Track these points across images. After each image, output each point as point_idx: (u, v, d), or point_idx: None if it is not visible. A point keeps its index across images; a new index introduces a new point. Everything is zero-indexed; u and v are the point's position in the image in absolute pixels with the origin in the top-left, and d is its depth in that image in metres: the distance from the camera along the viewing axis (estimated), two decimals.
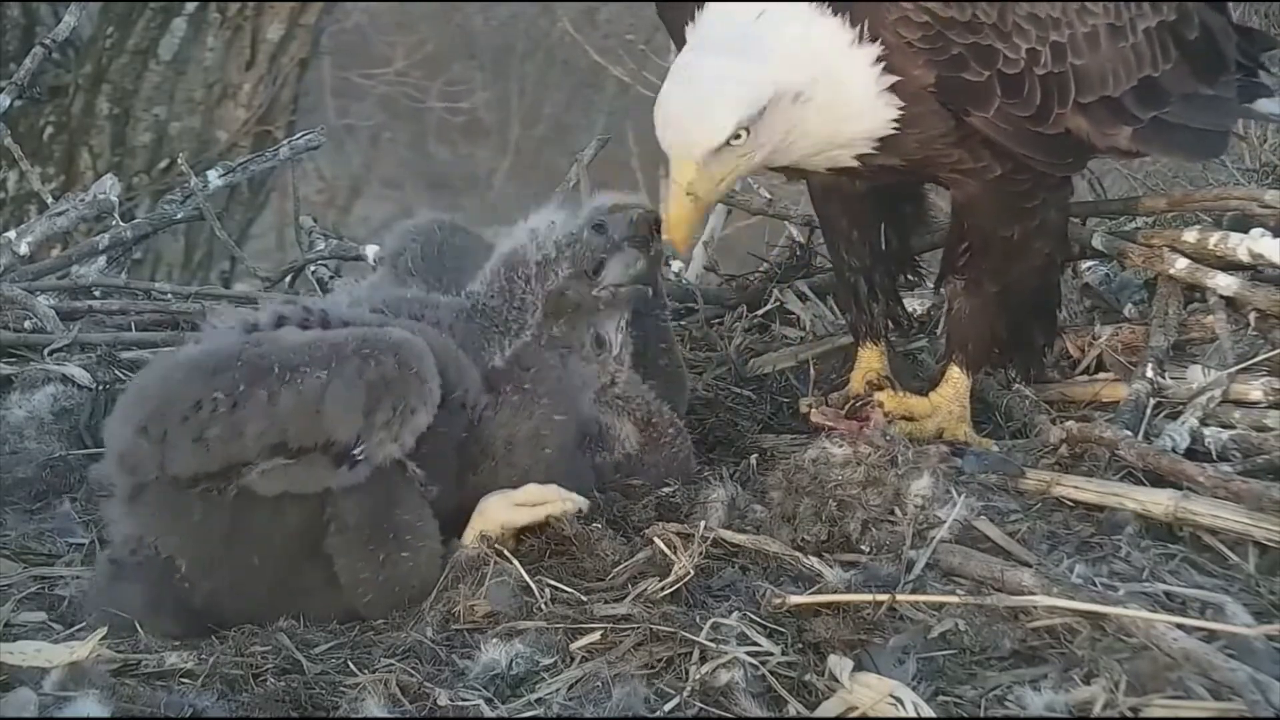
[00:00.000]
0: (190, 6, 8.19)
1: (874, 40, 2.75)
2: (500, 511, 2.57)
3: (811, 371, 3.63)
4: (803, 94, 2.74)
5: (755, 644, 2.24)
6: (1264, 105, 3.50)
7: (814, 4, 2.76)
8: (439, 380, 2.47)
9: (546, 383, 2.69)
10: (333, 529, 2.44)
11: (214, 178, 5.08)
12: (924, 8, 2.73)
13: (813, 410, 3.23)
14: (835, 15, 2.76)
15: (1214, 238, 3.45)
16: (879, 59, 2.76)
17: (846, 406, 3.19)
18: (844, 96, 2.79)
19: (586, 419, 2.85)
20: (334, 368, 2.38)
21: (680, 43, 3.01)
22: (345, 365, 2.39)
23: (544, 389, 2.68)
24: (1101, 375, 3.42)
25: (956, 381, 3.19)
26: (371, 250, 4.62)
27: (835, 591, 2.40)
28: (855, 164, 2.92)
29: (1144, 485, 2.73)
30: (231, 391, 2.36)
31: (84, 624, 2.44)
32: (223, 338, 2.51)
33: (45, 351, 3.73)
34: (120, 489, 2.50)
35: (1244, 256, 3.40)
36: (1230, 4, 5.29)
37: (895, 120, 2.82)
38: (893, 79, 2.78)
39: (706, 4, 2.88)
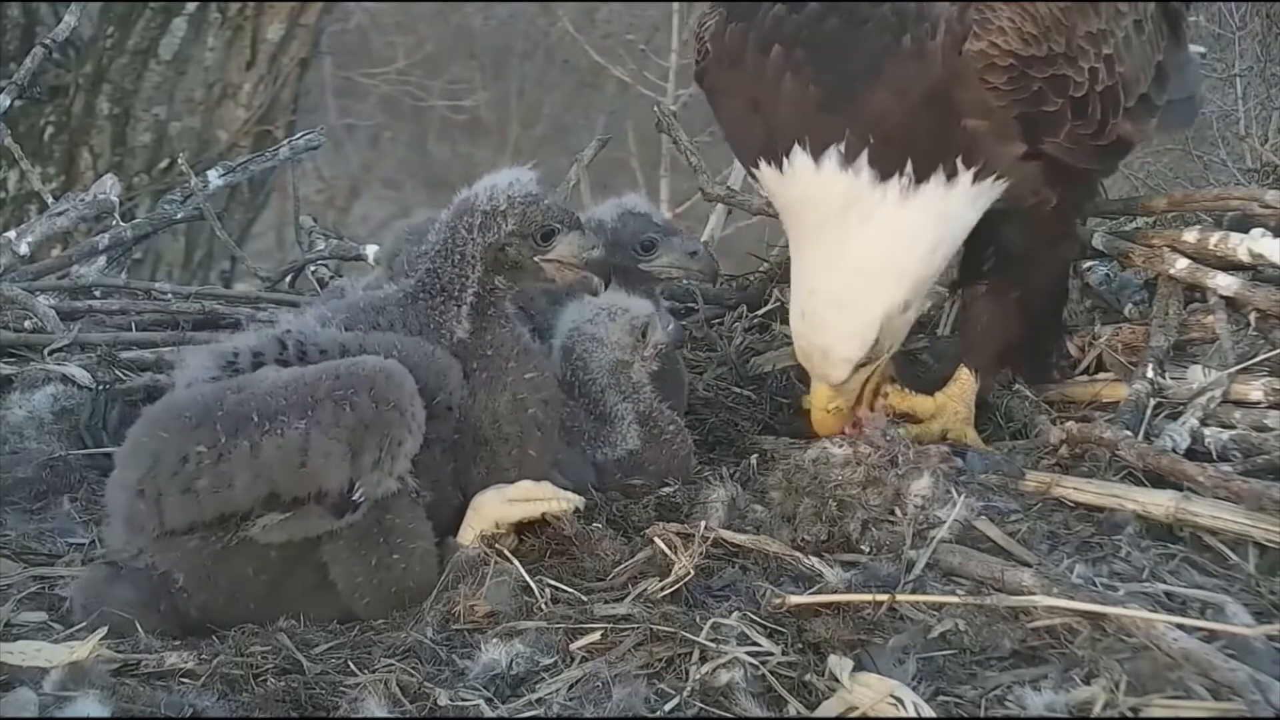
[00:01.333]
0: (190, 6, 8.19)
1: (970, 165, 2.76)
2: (495, 508, 2.57)
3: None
4: (915, 296, 2.84)
5: (755, 644, 2.24)
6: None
7: (900, 182, 2.74)
8: (420, 403, 2.45)
9: (506, 345, 2.65)
10: (325, 537, 2.44)
11: (214, 178, 5.09)
12: (1008, 52, 2.71)
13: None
14: (929, 178, 2.74)
15: (1214, 238, 3.45)
16: (978, 176, 2.77)
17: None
18: (956, 233, 2.85)
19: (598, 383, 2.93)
20: (311, 415, 2.36)
21: (742, 153, 3.00)
22: (322, 410, 2.37)
23: (505, 352, 2.64)
24: (1102, 375, 3.42)
25: (964, 382, 3.19)
26: (371, 250, 4.63)
27: (835, 591, 2.40)
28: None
29: (1144, 486, 2.73)
30: (214, 444, 2.35)
31: (84, 624, 2.44)
32: (203, 385, 2.49)
33: (45, 351, 3.73)
34: (130, 545, 2.49)
35: (1244, 256, 3.39)
36: (1233, 4, 5.30)
37: (1002, 191, 2.84)
38: (994, 174, 2.79)
39: (798, 180, 2.82)
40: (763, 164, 2.87)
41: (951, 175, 2.75)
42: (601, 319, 2.94)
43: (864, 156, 2.72)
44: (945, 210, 2.78)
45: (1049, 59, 2.75)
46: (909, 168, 2.72)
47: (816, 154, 2.75)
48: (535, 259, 2.64)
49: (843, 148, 2.73)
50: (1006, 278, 3.12)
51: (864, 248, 2.77)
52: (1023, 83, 2.73)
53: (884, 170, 2.73)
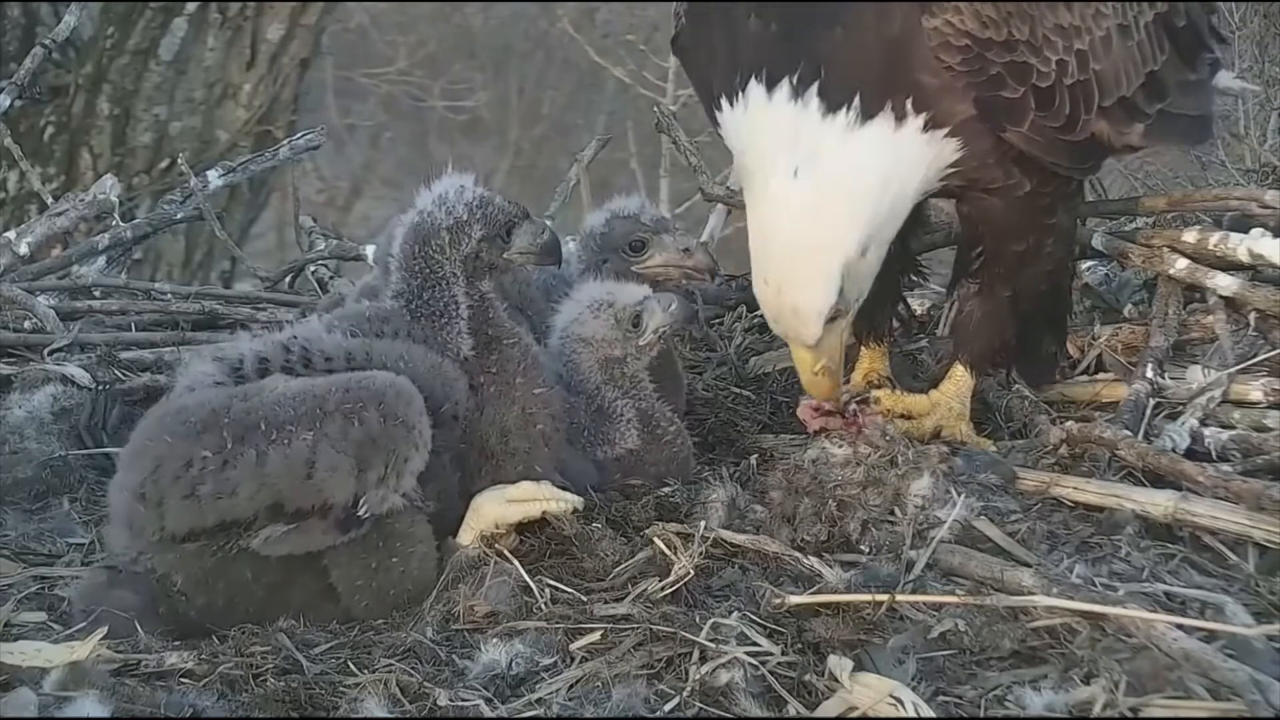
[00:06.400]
0: (191, 6, 8.19)
1: (919, 111, 2.74)
2: (494, 508, 2.57)
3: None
4: (871, 240, 2.77)
5: (755, 644, 2.24)
6: (1223, 79, 3.50)
7: (847, 116, 2.72)
8: (428, 420, 2.45)
9: (512, 360, 2.66)
10: None
11: (214, 178, 5.09)
12: (963, 32, 2.72)
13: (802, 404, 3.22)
14: (876, 115, 2.73)
15: (1214, 238, 3.45)
16: (928, 125, 2.76)
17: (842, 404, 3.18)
18: (905, 178, 2.81)
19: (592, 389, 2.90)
20: (319, 428, 2.36)
21: (709, 104, 2.98)
22: (330, 424, 2.37)
23: (512, 367, 2.65)
24: (1101, 375, 3.42)
25: (959, 380, 3.18)
26: (371, 250, 4.63)
27: (835, 591, 2.40)
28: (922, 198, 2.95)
29: (1144, 486, 2.73)
30: (220, 449, 2.35)
31: (84, 624, 2.44)
32: (208, 390, 2.48)
33: (45, 351, 3.74)
34: (130, 549, 2.49)
35: (1244, 257, 3.40)
36: (1232, 4, 5.30)
37: (955, 155, 2.83)
38: (944, 130, 2.78)
39: (751, 115, 2.81)
40: (724, 102, 2.88)
41: (901, 118, 2.75)
42: (585, 317, 2.93)
43: (814, 88, 2.72)
44: (895, 152, 2.76)
45: (1008, 44, 2.76)
46: (856, 101, 2.72)
47: (770, 86, 2.76)
48: (504, 256, 2.67)
49: (795, 79, 2.74)
50: (996, 276, 3.11)
51: (812, 189, 2.73)
52: (979, 65, 2.75)
53: (832, 102, 2.72)
